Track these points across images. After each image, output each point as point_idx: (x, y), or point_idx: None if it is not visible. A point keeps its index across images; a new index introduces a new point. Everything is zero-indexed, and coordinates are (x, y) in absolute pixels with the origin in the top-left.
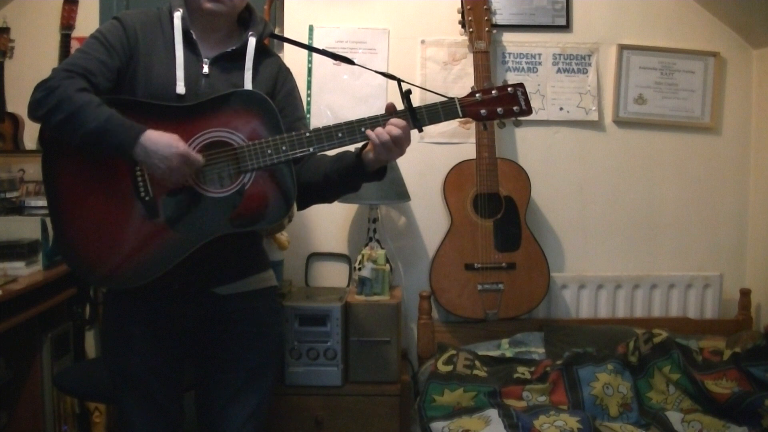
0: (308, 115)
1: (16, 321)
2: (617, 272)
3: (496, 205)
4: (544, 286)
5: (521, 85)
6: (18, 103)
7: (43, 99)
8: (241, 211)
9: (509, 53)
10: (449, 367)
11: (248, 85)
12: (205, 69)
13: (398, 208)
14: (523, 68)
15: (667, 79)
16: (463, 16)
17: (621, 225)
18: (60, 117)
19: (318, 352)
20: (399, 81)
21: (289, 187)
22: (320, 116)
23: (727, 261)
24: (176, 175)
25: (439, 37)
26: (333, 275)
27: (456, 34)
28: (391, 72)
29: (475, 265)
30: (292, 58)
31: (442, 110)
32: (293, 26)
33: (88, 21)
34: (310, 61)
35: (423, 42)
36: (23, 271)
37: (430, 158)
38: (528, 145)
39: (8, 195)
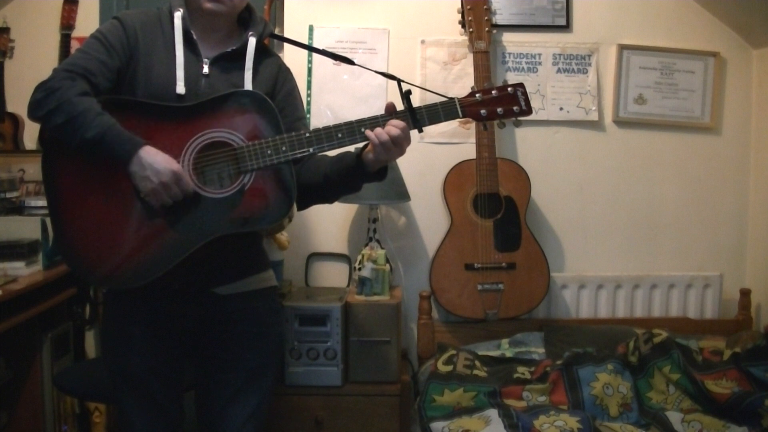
0: (308, 115)
1: (16, 321)
2: (617, 272)
3: (496, 205)
4: (544, 286)
5: (521, 85)
6: (18, 103)
7: (43, 100)
8: (241, 211)
9: (509, 53)
10: (449, 367)
11: (248, 85)
12: (205, 69)
13: (398, 208)
14: (523, 68)
15: (667, 79)
16: (463, 16)
17: (621, 225)
18: (59, 120)
19: (318, 352)
20: (399, 81)
21: (289, 187)
22: (320, 116)
23: (727, 261)
24: (164, 193)
25: (439, 37)
26: (333, 275)
27: (456, 34)
28: (391, 72)
29: (475, 265)
30: (292, 58)
31: (442, 110)
32: (293, 26)
33: (88, 21)
34: (310, 61)
35: (423, 42)
36: (23, 271)
37: (430, 158)
38: (528, 145)
39: (8, 195)
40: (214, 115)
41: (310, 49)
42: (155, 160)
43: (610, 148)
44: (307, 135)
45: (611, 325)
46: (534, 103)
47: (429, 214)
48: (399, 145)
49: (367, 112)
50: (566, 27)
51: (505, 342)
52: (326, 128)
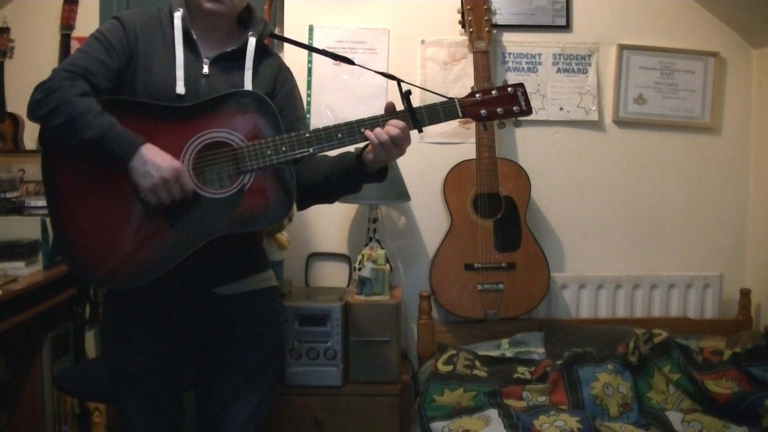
0: (308, 115)
1: (16, 321)
2: (617, 272)
3: (496, 205)
4: (544, 286)
5: (521, 85)
6: (18, 103)
7: (43, 100)
8: (240, 211)
9: (509, 53)
10: (449, 367)
11: (248, 85)
12: (205, 69)
13: (398, 208)
14: (523, 68)
15: (667, 79)
16: (463, 16)
17: (621, 225)
18: (59, 120)
19: (318, 352)
20: (399, 81)
21: (289, 187)
22: (320, 116)
23: (727, 261)
24: (164, 190)
25: (439, 37)
26: (333, 275)
27: (456, 34)
28: (391, 72)
29: (475, 265)
30: (292, 58)
31: (442, 110)
32: (293, 26)
33: (88, 21)
34: (310, 61)
35: (423, 42)
36: (23, 271)
37: (430, 158)
38: (528, 145)
39: (8, 195)
40: (214, 116)
41: (310, 49)
42: (156, 156)
43: (610, 148)
44: (307, 135)
45: (611, 325)
46: (534, 103)
47: (429, 214)
48: (399, 145)
49: (367, 112)
50: (566, 27)
51: (505, 342)
52: (326, 128)
